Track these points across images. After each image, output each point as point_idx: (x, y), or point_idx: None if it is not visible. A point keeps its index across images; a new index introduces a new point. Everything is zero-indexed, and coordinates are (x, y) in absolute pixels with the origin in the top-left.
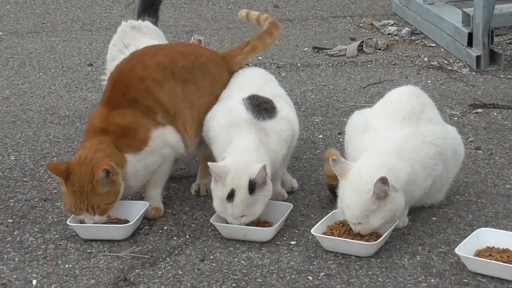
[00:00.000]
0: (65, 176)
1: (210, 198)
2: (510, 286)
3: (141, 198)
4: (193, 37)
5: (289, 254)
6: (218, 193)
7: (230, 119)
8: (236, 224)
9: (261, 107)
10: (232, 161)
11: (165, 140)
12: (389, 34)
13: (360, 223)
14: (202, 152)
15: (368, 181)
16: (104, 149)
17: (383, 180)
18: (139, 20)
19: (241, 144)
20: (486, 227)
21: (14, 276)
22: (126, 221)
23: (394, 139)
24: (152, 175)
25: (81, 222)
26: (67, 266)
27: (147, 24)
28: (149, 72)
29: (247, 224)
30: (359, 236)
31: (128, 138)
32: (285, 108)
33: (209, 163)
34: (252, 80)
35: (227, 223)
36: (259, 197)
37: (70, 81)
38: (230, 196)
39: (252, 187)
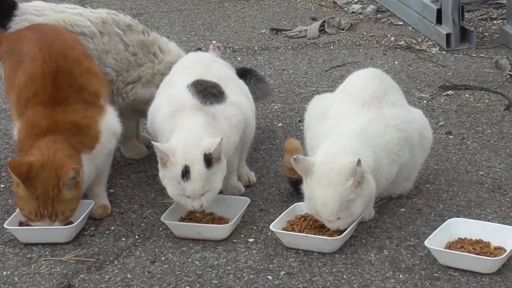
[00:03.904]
0: (24, 178)
1: (161, 194)
2: (483, 279)
3: (84, 197)
4: (212, 44)
5: (246, 253)
6: (170, 174)
7: (175, 107)
8: (199, 209)
9: (207, 92)
10: (179, 139)
11: (111, 130)
12: (353, 12)
13: (339, 218)
14: None
15: (340, 171)
16: (63, 150)
17: (359, 163)
18: None
19: (188, 125)
20: (458, 217)
21: None
22: (69, 222)
23: (354, 125)
24: None
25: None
26: (5, 273)
27: None
28: (78, 50)
29: (202, 220)
30: (321, 231)
31: (82, 135)
32: (235, 92)
33: (153, 142)
34: (194, 64)
35: (182, 220)
36: (217, 170)
37: None
38: (185, 173)
39: (210, 160)
